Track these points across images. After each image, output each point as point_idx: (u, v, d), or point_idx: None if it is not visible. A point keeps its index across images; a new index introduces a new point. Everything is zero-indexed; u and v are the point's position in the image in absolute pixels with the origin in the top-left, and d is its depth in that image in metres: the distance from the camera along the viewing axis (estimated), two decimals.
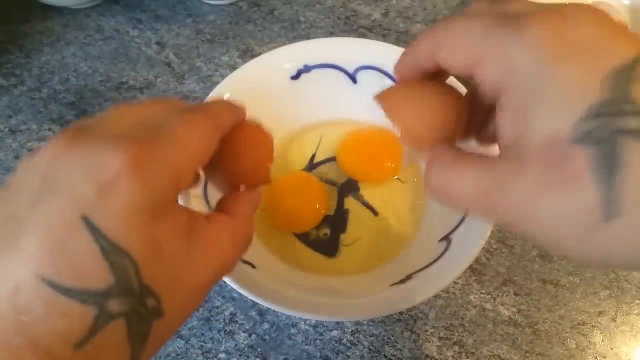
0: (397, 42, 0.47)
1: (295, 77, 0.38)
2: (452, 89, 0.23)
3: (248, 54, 0.47)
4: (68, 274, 0.14)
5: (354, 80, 0.39)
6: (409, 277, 0.31)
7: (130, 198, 0.15)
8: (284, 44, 0.38)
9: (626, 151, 0.14)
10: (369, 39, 0.47)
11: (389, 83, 0.38)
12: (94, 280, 0.15)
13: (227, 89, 0.36)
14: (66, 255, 0.15)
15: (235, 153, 0.24)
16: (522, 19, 0.17)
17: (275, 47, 0.38)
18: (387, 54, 0.38)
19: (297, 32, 0.48)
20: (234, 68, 0.42)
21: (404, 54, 0.23)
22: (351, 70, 0.38)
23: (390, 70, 0.37)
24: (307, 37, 0.48)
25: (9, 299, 0.14)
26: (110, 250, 0.15)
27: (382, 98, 0.23)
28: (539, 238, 0.17)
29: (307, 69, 0.38)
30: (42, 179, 0.16)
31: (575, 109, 0.15)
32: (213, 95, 0.36)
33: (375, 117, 0.39)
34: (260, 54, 0.38)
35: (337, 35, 0.48)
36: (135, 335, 0.16)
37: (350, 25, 0.49)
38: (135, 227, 0.15)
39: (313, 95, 0.39)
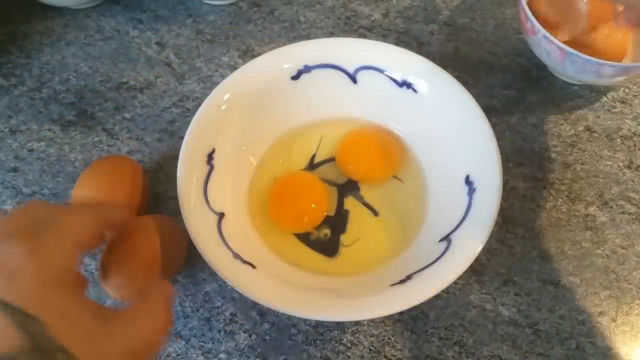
0: (397, 42, 0.47)
1: (295, 77, 0.38)
2: None
3: (248, 54, 0.47)
4: None
5: (354, 80, 0.39)
6: (408, 277, 0.31)
7: (31, 275, 0.20)
8: (284, 44, 0.38)
9: None
10: (369, 39, 0.47)
11: (388, 83, 0.38)
12: (7, 345, 0.18)
13: (227, 89, 0.36)
14: None
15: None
16: None
17: (275, 47, 0.38)
18: (387, 54, 0.38)
19: (297, 32, 0.48)
20: (234, 68, 0.42)
21: None
22: (351, 70, 0.38)
23: (389, 70, 0.38)
24: (307, 37, 0.48)
25: None
26: (21, 318, 0.18)
27: None
28: None
29: (307, 68, 0.38)
30: None
31: None
32: (213, 95, 0.36)
33: (374, 116, 0.40)
34: (260, 54, 0.38)
35: (337, 35, 0.48)
36: None
37: (350, 25, 0.49)
38: (42, 296, 0.19)
39: (313, 95, 0.39)
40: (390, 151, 0.38)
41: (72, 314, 0.20)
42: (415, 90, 0.37)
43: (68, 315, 0.20)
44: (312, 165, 0.39)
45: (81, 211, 0.25)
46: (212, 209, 0.33)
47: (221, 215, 0.33)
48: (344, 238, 0.36)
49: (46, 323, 0.19)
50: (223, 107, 0.36)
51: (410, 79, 0.37)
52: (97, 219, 0.25)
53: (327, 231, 0.36)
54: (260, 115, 0.38)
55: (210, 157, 0.34)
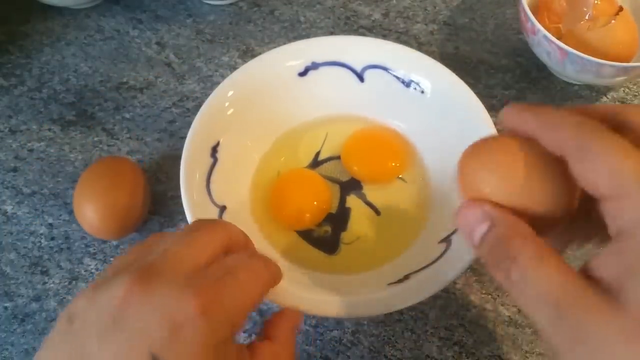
0: (397, 42, 0.47)
1: (303, 74, 0.38)
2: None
3: (248, 54, 0.47)
4: None
5: (361, 79, 0.39)
6: (406, 277, 0.31)
7: (198, 338, 0.17)
8: (284, 44, 0.38)
9: None
10: None
11: (395, 82, 0.38)
12: None
13: (233, 84, 0.36)
14: None
15: None
16: None
17: (275, 47, 0.38)
18: (394, 54, 0.38)
19: (297, 32, 0.48)
20: (234, 68, 0.42)
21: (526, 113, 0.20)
22: (358, 69, 0.38)
23: (396, 70, 0.38)
24: (307, 37, 0.48)
25: None
26: None
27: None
28: None
29: (314, 65, 0.38)
30: (113, 318, 0.17)
31: None
32: (220, 89, 0.36)
33: (380, 115, 0.40)
34: (260, 54, 0.38)
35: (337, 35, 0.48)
36: None
37: (350, 25, 0.49)
38: None
39: (319, 92, 0.39)
40: (396, 153, 0.38)
41: None
42: (422, 91, 0.37)
43: None
44: (316, 162, 0.39)
45: (261, 272, 0.22)
46: (214, 202, 0.33)
47: (222, 208, 0.33)
48: (344, 236, 0.36)
49: None
50: (228, 102, 0.36)
51: (416, 79, 0.37)
52: (272, 279, 0.23)
53: (327, 228, 0.36)
54: (266, 111, 0.38)
55: (214, 149, 0.35)
